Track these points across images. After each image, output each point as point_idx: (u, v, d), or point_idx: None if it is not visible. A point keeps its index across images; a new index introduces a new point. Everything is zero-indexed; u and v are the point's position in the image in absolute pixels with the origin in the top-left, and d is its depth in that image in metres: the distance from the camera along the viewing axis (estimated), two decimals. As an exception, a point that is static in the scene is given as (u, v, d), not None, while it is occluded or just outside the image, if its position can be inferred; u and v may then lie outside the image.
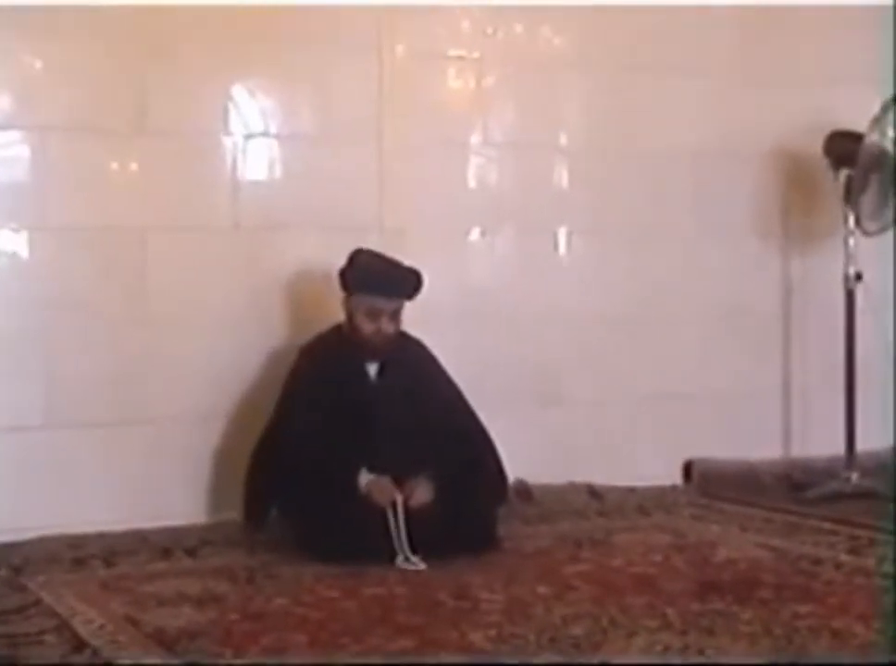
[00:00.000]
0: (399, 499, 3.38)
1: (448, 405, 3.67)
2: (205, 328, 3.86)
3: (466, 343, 4.07)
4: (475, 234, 4.25)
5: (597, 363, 4.39)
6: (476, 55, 4.20)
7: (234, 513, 3.71)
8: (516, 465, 3.86)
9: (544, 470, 4.18)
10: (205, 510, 3.85)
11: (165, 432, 3.82)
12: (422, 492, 3.42)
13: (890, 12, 4.42)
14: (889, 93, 4.20)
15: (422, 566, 3.28)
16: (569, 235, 4.37)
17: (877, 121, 4.15)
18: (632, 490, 4.28)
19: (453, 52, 4.17)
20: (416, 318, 3.77)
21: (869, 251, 4.36)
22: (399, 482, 3.44)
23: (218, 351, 3.87)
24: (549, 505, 4.07)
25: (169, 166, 3.81)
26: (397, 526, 3.32)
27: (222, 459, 3.87)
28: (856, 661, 2.55)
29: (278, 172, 3.97)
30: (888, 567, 3.27)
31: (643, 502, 4.17)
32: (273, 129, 3.96)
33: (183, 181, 3.83)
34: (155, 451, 3.81)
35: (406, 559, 3.29)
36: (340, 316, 3.70)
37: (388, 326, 3.59)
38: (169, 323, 3.83)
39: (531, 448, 4.15)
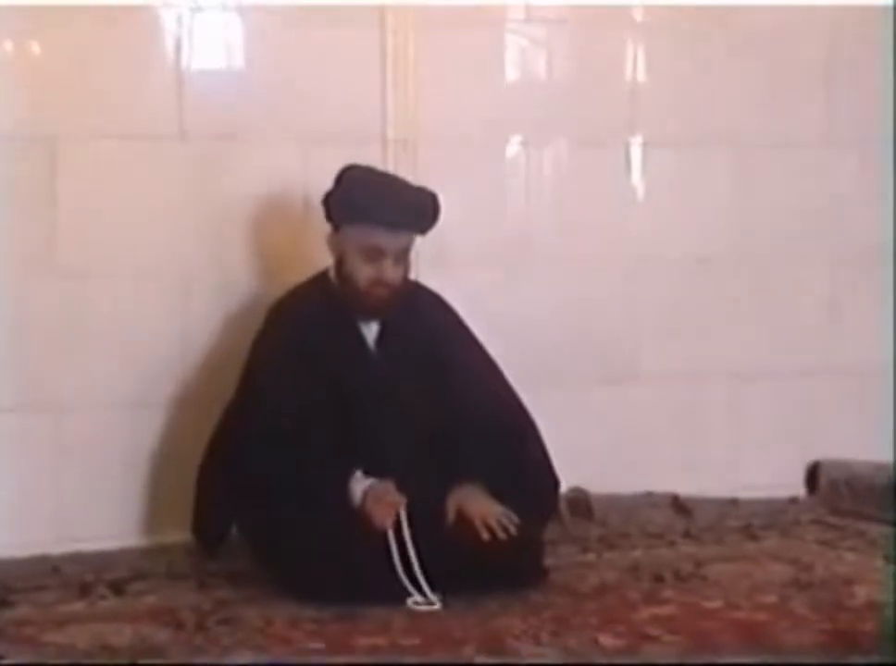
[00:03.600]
0: (404, 512, 3.37)
1: (475, 382, 3.66)
2: (138, 280, 3.87)
3: (499, 297, 4.10)
4: (514, 146, 4.25)
5: (684, 325, 4.38)
6: None
7: (179, 534, 3.72)
8: (570, 468, 3.84)
9: (609, 475, 4.20)
10: (137, 529, 3.87)
11: (83, 423, 3.84)
12: (481, 501, 3.42)
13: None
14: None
15: (438, 606, 3.29)
16: (645, 147, 4.37)
17: None
18: (733, 503, 4.33)
19: None
20: (429, 262, 3.80)
21: None
22: (406, 488, 3.43)
23: (157, 312, 3.89)
24: (616, 524, 4.10)
25: (87, 49, 3.79)
26: (403, 550, 3.32)
27: (162, 460, 3.89)
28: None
29: (238, 60, 3.98)
30: None
31: (749, 521, 4.19)
32: (231, 0, 3.94)
33: (107, 71, 3.81)
34: (68, 449, 3.82)
35: (424, 596, 3.29)
36: (324, 261, 3.69)
37: (392, 272, 3.57)
38: (89, 273, 3.84)
39: (591, 444, 4.17)
